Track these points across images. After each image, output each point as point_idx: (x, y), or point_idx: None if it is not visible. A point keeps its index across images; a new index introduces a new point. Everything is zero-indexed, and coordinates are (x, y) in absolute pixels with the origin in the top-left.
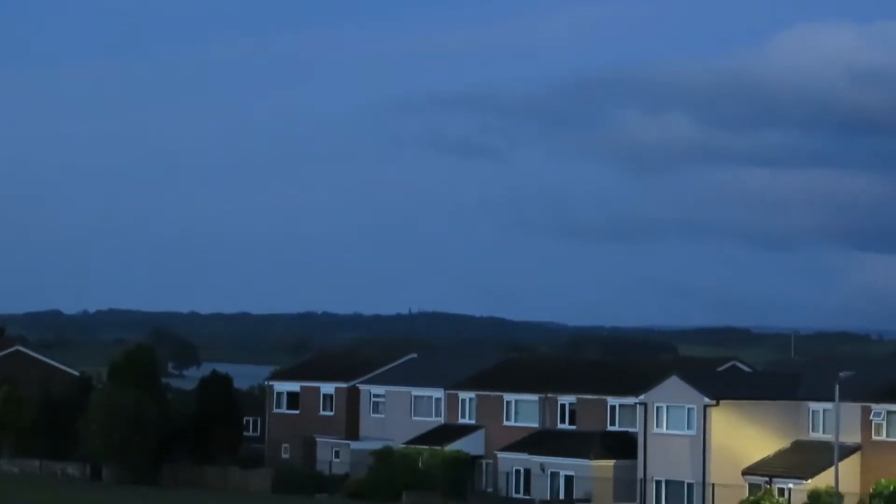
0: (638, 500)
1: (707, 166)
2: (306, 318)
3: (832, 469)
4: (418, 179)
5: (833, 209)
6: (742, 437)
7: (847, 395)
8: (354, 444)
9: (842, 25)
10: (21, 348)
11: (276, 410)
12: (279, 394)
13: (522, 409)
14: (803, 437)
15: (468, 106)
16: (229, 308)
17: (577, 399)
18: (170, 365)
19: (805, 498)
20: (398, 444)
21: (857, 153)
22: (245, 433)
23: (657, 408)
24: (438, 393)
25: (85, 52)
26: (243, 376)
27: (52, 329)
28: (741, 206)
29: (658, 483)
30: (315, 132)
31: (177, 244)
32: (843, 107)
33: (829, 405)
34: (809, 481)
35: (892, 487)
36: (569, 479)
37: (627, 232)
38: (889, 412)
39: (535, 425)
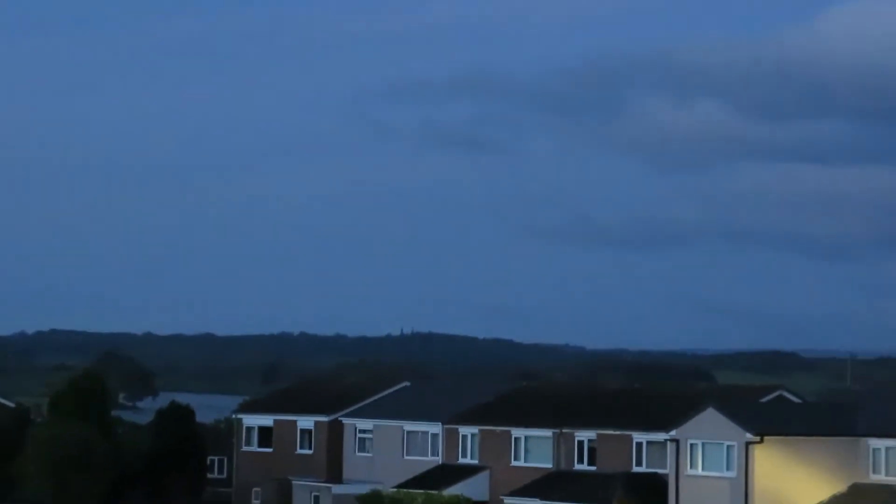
0: None
1: (746, 162)
2: (281, 341)
3: None
4: (410, 177)
5: (891, 211)
6: (790, 480)
7: None
8: (337, 488)
9: None
10: None
11: (245, 448)
12: (249, 429)
13: (533, 447)
14: (862, 480)
15: (465, 92)
16: (190, 329)
17: (598, 435)
18: (121, 395)
19: None
20: (388, 487)
21: None
22: (209, 475)
23: (691, 445)
24: (435, 428)
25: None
26: (207, 408)
27: None
28: (787, 209)
29: None
30: (288, 123)
31: (130, 254)
32: None
33: (893, 442)
34: None
35: None
36: None
37: (654, 238)
38: None
39: (549, 466)
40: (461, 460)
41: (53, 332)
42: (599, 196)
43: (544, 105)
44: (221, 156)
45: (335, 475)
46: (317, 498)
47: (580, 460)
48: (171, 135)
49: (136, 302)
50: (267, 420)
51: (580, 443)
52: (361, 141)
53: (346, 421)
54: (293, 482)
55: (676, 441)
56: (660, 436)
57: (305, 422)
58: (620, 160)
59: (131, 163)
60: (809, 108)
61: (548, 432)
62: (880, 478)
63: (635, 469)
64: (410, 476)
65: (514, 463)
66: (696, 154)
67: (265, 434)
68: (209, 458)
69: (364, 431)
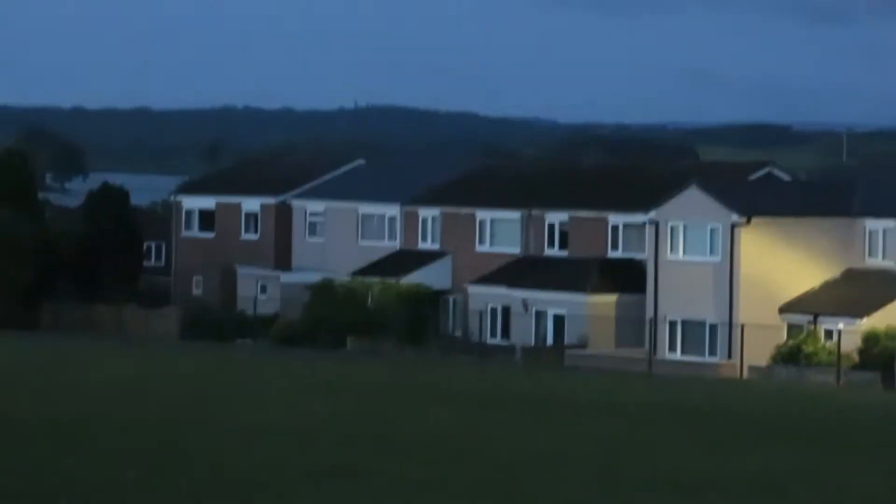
0: (647, 345)
1: None
2: (223, 115)
3: (893, 304)
4: None
5: None
6: (779, 265)
7: None
8: (285, 277)
9: None
10: None
11: (184, 233)
12: (189, 212)
13: (500, 231)
14: (857, 265)
15: None
16: (124, 102)
17: (570, 217)
18: (48, 175)
19: (859, 341)
20: (341, 275)
21: None
22: (145, 262)
23: (672, 227)
24: (393, 210)
25: None
26: (143, 189)
27: None
28: None
29: (672, 323)
30: None
31: (56, 20)
32: None
33: (891, 223)
34: (864, 320)
35: None
36: (559, 319)
37: (634, 2)
38: None
39: (516, 251)
40: (421, 245)
41: None
42: None
43: None
44: None
45: (283, 262)
46: (263, 287)
47: (551, 244)
48: None
49: (63, 71)
50: (208, 202)
51: (551, 226)
52: None
53: (294, 203)
54: (238, 270)
55: (656, 223)
56: (638, 217)
57: (250, 204)
58: None
59: None
60: None
61: (515, 214)
62: (877, 262)
63: (611, 254)
64: (365, 263)
65: (478, 248)
66: None
67: (206, 218)
68: (145, 243)
69: (315, 214)
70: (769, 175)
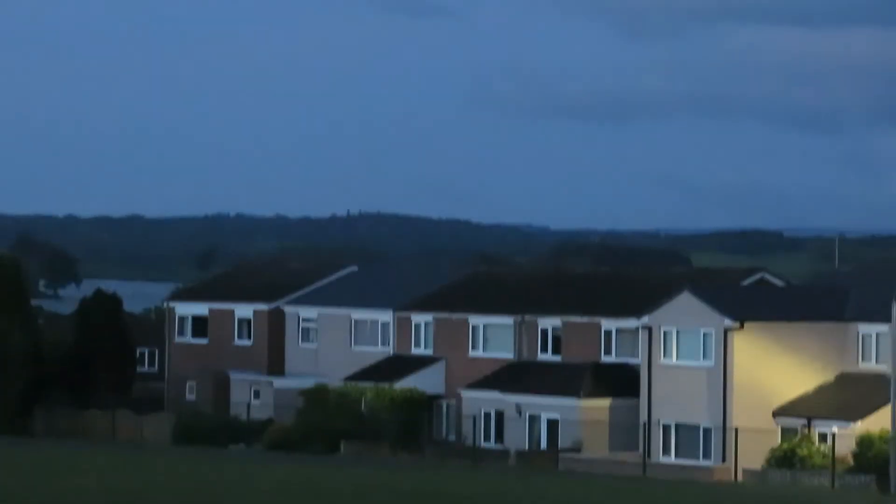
0: (641, 449)
1: (722, 25)
2: (215, 223)
3: (887, 408)
4: (353, 44)
5: (886, 80)
6: (773, 369)
7: None
8: (279, 382)
9: None
10: None
11: (178, 339)
12: (182, 318)
13: (493, 336)
14: (850, 369)
15: None
16: (116, 210)
17: (563, 322)
18: (41, 283)
19: (853, 444)
20: (335, 381)
21: None
22: (139, 369)
23: (665, 332)
24: (386, 316)
25: None
26: (136, 296)
27: None
28: (768, 77)
29: (666, 427)
30: None
31: (51, 132)
32: None
33: (883, 328)
34: (859, 423)
35: None
36: (552, 424)
37: (623, 111)
38: None
39: (510, 356)
40: (414, 351)
41: None
42: (562, 65)
43: None
44: (145, 25)
45: (277, 368)
46: (257, 392)
47: (544, 350)
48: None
49: (56, 181)
50: (201, 308)
51: (544, 331)
52: (300, 9)
53: (287, 309)
54: (231, 375)
55: (649, 328)
56: (631, 323)
57: (244, 310)
58: (585, 25)
59: (48, 30)
60: None
61: (508, 320)
62: (870, 366)
63: (604, 359)
64: (358, 368)
65: (471, 353)
66: (667, 18)
67: (200, 324)
68: (139, 349)
69: (308, 320)
70: (762, 280)
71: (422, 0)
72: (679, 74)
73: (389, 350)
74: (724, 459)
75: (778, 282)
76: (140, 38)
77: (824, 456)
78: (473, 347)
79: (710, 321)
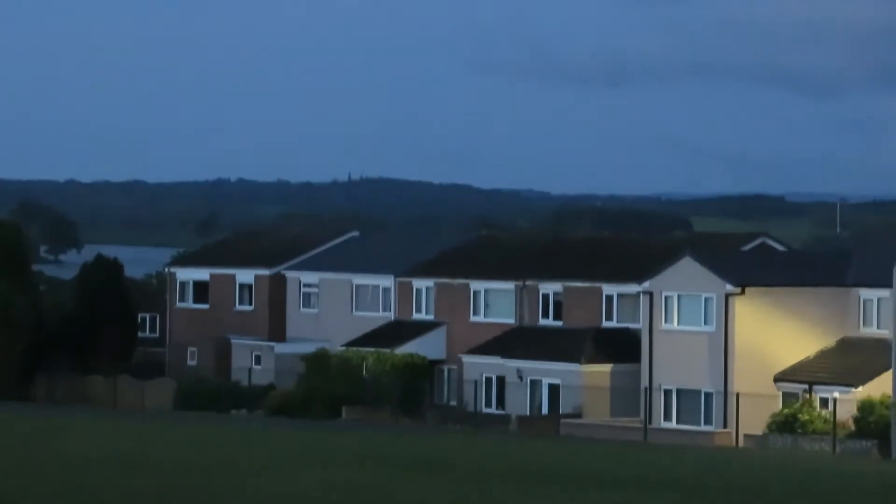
0: (642, 414)
1: None
2: (217, 188)
3: (889, 373)
4: (352, 8)
5: (886, 44)
6: (774, 334)
7: None
8: (280, 347)
9: None
10: None
11: (179, 305)
12: (183, 284)
13: (494, 301)
14: (852, 334)
15: None
16: (117, 175)
17: (564, 287)
18: (42, 248)
19: (854, 409)
20: (336, 346)
21: None
22: (140, 334)
23: (666, 297)
24: (387, 281)
25: None
26: (137, 262)
27: None
28: (768, 40)
29: (667, 392)
30: None
31: (51, 95)
32: None
33: (885, 293)
34: (860, 388)
35: None
36: (553, 389)
37: (624, 75)
38: None
39: (511, 321)
40: (415, 316)
41: None
42: (563, 27)
43: None
44: None
45: (278, 333)
46: (258, 358)
47: (545, 315)
48: None
49: (57, 146)
50: (202, 274)
51: (545, 296)
52: None
53: (289, 274)
54: (232, 341)
55: (650, 293)
56: (632, 288)
57: (245, 275)
58: None
59: None
60: None
61: (510, 285)
62: (871, 331)
63: (605, 324)
64: (360, 333)
65: (472, 318)
66: None
67: (201, 289)
68: (140, 315)
69: (309, 286)
70: (763, 245)
71: None
72: (680, 38)
73: (391, 315)
74: (725, 425)
75: (779, 247)
76: (143, 5)
77: (825, 421)
78: (475, 313)
79: (712, 286)
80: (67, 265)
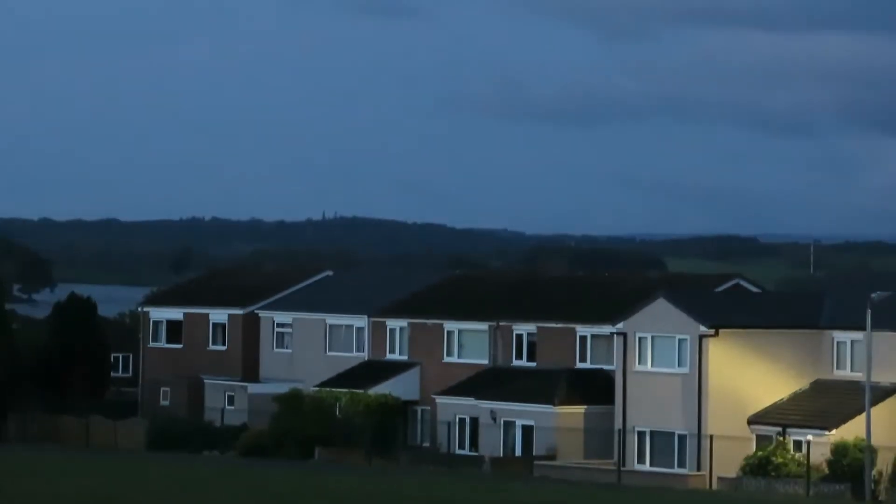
0: (615, 456)
1: (695, 29)
2: (190, 226)
3: (862, 416)
4: (325, 47)
5: (860, 84)
6: (748, 376)
7: (882, 323)
8: (253, 387)
9: None
10: None
11: (152, 344)
12: (156, 323)
13: (468, 342)
14: (825, 376)
15: None
16: (91, 214)
17: (538, 328)
18: (15, 287)
19: (828, 452)
20: (309, 386)
21: (888, 11)
22: (113, 373)
23: (640, 339)
24: (361, 321)
25: None
26: (110, 301)
27: None
28: (740, 81)
29: (641, 434)
30: None
31: (24, 132)
32: None
33: (858, 335)
34: (834, 431)
35: None
36: (527, 430)
37: (596, 113)
38: None
39: (485, 362)
40: (389, 356)
41: None
42: (536, 67)
43: None
44: (123, 26)
45: (251, 373)
46: (231, 398)
47: (519, 356)
48: (70, 4)
49: (30, 184)
50: (176, 313)
51: (519, 337)
52: (271, 12)
53: (262, 314)
54: (205, 381)
55: (624, 334)
56: (606, 329)
57: (218, 315)
58: (559, 27)
59: (24, 32)
60: None
61: (483, 325)
62: (845, 373)
63: (579, 365)
64: (333, 374)
65: (446, 359)
66: (641, 20)
67: (174, 328)
68: (113, 354)
69: (282, 325)
70: (737, 286)
71: (394, 1)
72: (652, 77)
73: (364, 355)
74: (699, 467)
75: (753, 288)
76: (114, 41)
77: (799, 464)
78: (448, 353)
79: (686, 328)
80: (41, 304)
